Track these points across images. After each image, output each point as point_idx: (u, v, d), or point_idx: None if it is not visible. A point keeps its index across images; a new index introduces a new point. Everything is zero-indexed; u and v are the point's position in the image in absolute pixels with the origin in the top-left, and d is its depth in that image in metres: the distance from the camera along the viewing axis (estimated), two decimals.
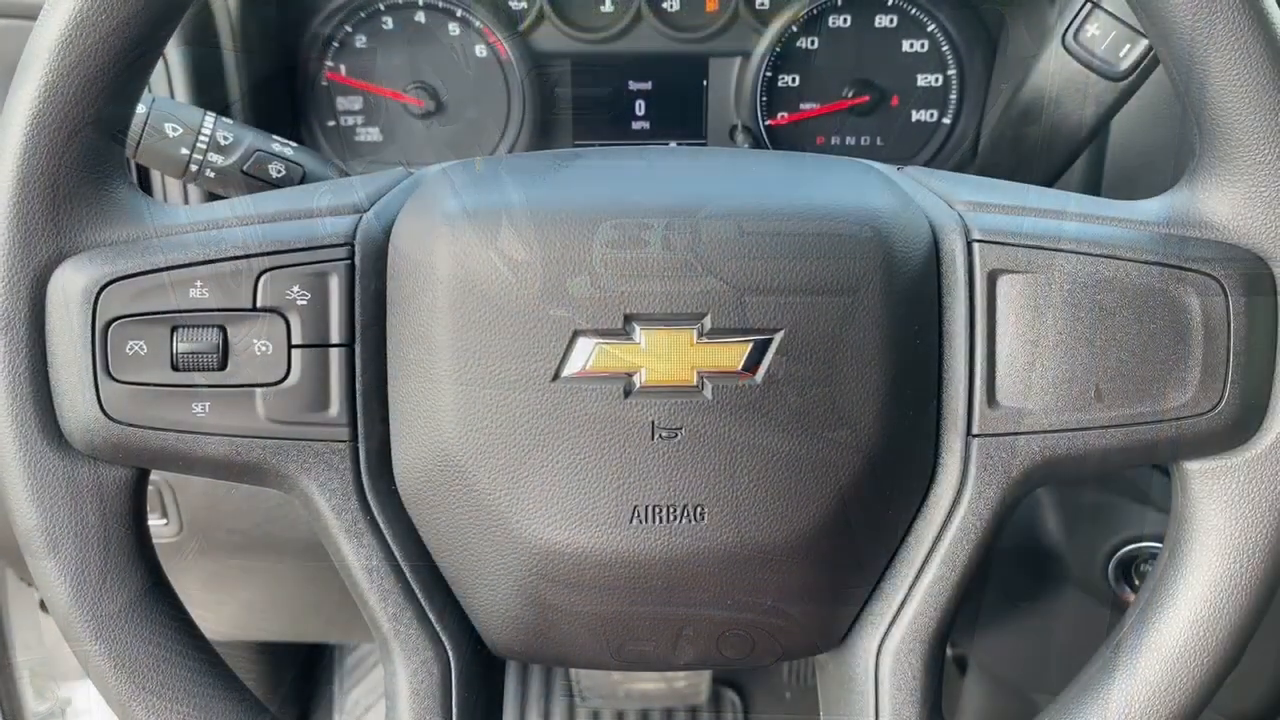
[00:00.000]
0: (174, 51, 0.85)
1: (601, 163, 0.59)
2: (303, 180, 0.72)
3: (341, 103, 1.04)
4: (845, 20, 1.03)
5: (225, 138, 0.70)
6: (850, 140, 1.06)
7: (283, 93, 1.01)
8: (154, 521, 1.00)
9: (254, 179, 0.70)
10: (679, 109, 1.06)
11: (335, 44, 1.02)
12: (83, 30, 0.50)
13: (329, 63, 1.03)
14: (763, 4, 1.02)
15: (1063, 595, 1.03)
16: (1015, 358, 0.54)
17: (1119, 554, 0.93)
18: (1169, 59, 0.54)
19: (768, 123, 1.05)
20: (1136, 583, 0.95)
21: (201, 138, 0.69)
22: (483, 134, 1.05)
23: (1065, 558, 0.98)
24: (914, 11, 1.02)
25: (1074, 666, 0.60)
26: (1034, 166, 0.78)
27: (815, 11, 1.02)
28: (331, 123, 1.04)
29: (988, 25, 1.01)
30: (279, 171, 0.71)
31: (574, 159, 0.59)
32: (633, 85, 1.05)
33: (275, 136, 0.72)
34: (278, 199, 0.57)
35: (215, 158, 0.69)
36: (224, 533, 1.01)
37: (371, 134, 1.05)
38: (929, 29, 1.03)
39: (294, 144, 0.73)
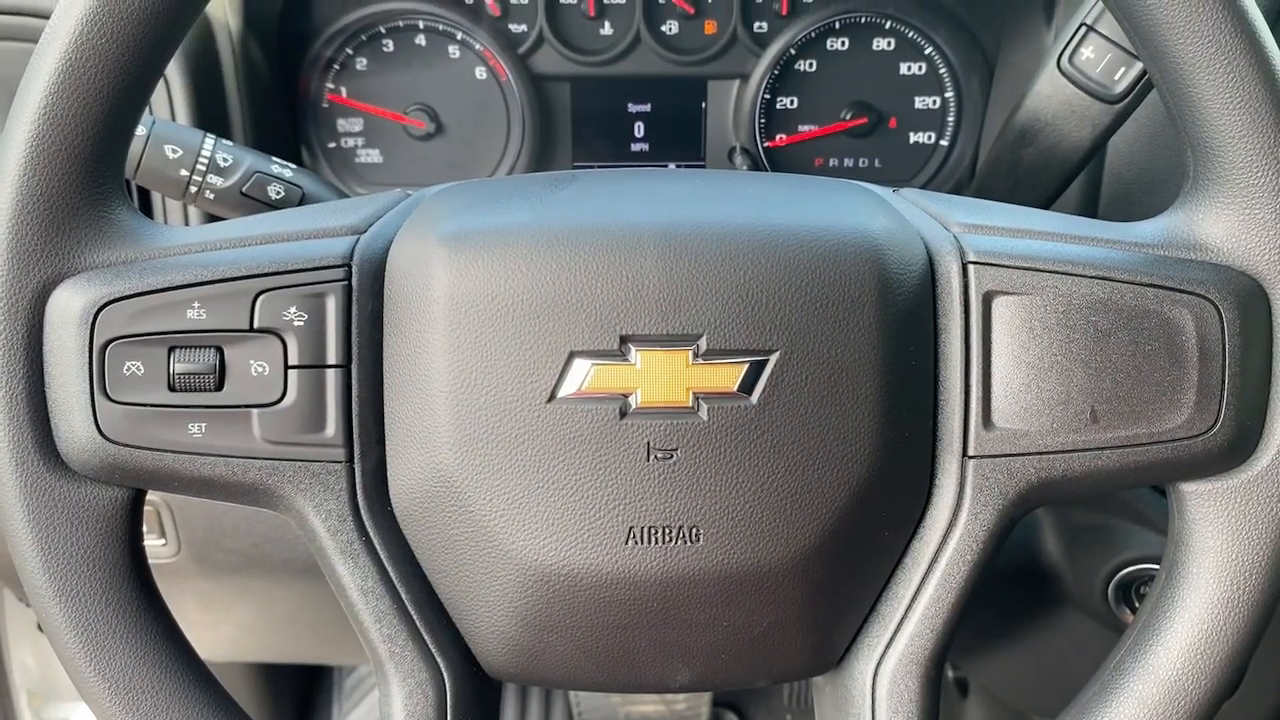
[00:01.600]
0: (175, 74, 0.86)
1: (598, 184, 0.59)
2: (301, 202, 0.72)
3: (342, 124, 1.05)
4: (843, 43, 1.04)
5: (224, 159, 0.70)
6: (848, 162, 1.06)
7: (283, 114, 1.02)
8: (152, 542, 1.00)
9: (253, 200, 0.71)
10: (678, 131, 1.06)
11: (336, 66, 1.03)
12: (83, 54, 0.51)
13: (330, 85, 1.03)
14: (761, 27, 1.03)
15: (1062, 617, 1.03)
16: (1011, 379, 0.54)
17: (1118, 576, 0.93)
18: (1162, 82, 0.54)
19: (766, 144, 1.06)
20: (1136, 604, 0.95)
21: (201, 159, 0.69)
22: (483, 155, 1.06)
23: (1065, 579, 0.98)
24: (911, 35, 1.03)
25: (1074, 688, 0.60)
26: (1030, 189, 0.79)
27: (813, 34, 1.02)
28: (332, 144, 1.05)
29: (984, 48, 1.02)
30: (278, 193, 0.71)
31: (571, 181, 0.60)
32: (632, 107, 1.06)
33: (274, 158, 0.73)
34: (275, 220, 0.57)
35: (214, 179, 0.70)
36: (222, 553, 1.01)
37: (372, 155, 1.06)
38: (926, 52, 1.03)
39: (293, 166, 0.73)
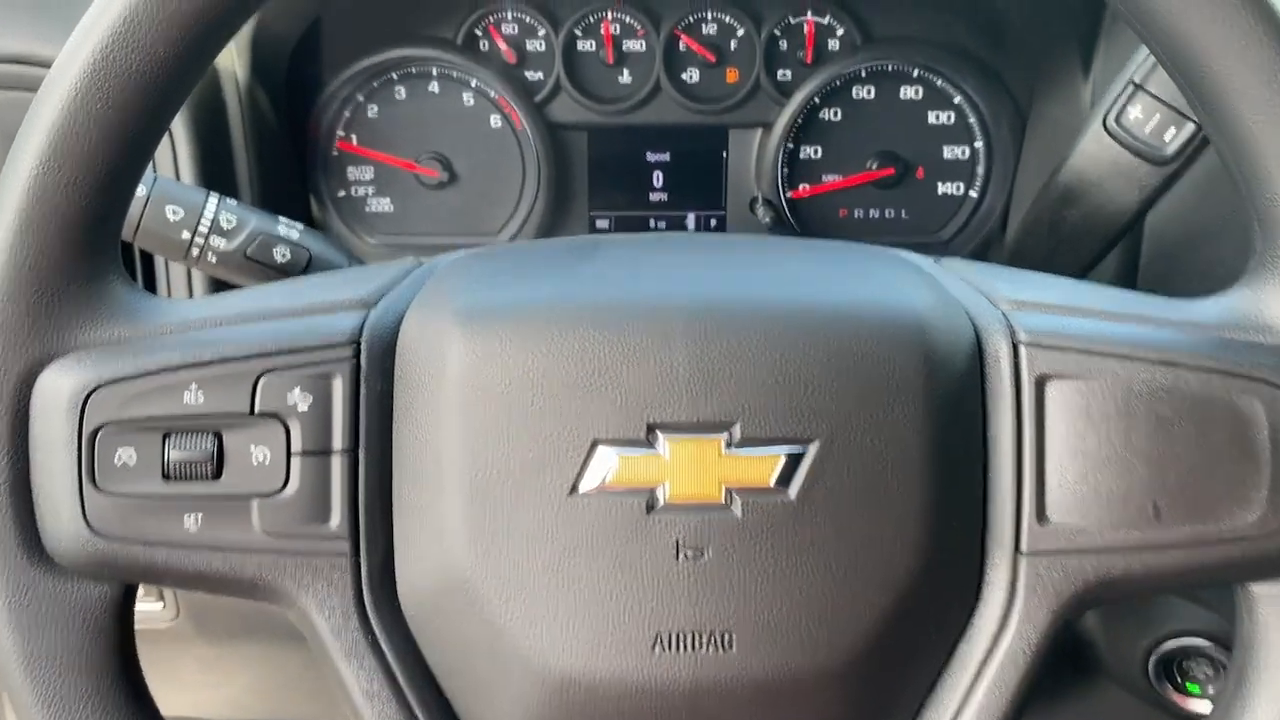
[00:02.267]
0: (178, 123, 0.83)
1: (623, 255, 0.56)
2: (309, 264, 0.69)
3: (352, 173, 1.02)
4: (869, 91, 1.00)
5: (228, 221, 0.67)
6: (874, 213, 1.03)
7: (292, 163, 0.99)
8: (149, 606, 0.96)
9: (257, 264, 0.67)
10: (698, 180, 1.03)
11: (347, 113, 1.00)
12: (76, 121, 0.48)
13: (340, 132, 1.00)
14: (784, 75, 1.00)
15: (1100, 691, 0.98)
16: (1066, 470, 0.50)
17: (1159, 650, 0.89)
18: (1226, 149, 0.51)
19: (789, 195, 1.02)
20: (1178, 680, 0.90)
21: (203, 221, 0.66)
22: (497, 205, 1.03)
23: (1101, 652, 0.93)
24: (940, 83, 1.00)
25: None
26: (1072, 251, 0.75)
27: (838, 83, 0.99)
28: (342, 193, 1.02)
29: (1016, 97, 0.98)
30: (284, 256, 0.68)
31: (593, 250, 0.56)
32: (651, 156, 1.03)
33: (281, 218, 0.69)
34: (279, 293, 0.54)
35: (217, 241, 0.67)
36: (222, 617, 0.98)
37: (383, 204, 1.02)
38: (955, 101, 1.00)
39: (300, 225, 0.70)
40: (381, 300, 0.53)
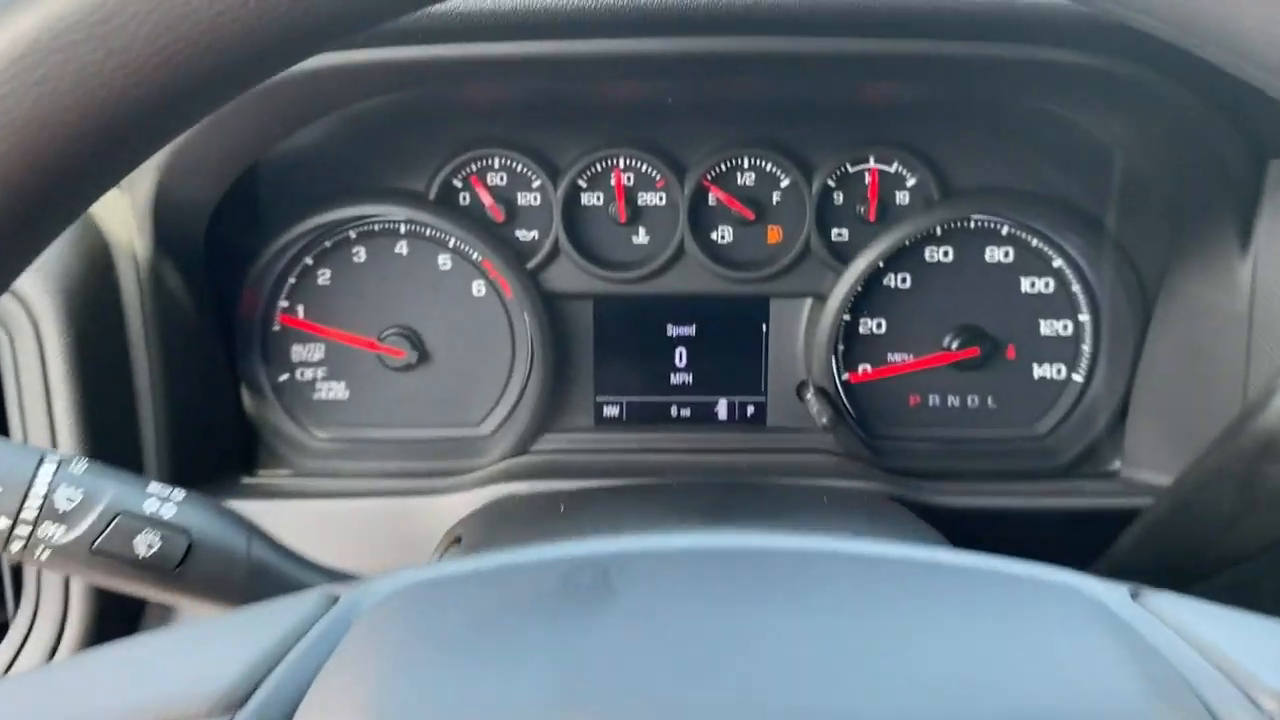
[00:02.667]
0: (45, 312, 0.62)
1: (644, 605, 0.35)
2: (187, 554, 0.47)
3: (298, 353, 0.81)
4: (946, 254, 0.80)
5: (69, 499, 0.45)
6: (953, 401, 0.82)
7: (215, 345, 0.78)
8: None
9: (110, 558, 0.46)
10: (731, 360, 0.83)
11: (291, 281, 0.80)
12: None
13: (283, 303, 0.80)
14: (840, 235, 0.80)
15: None
16: None
17: None
18: None
19: (846, 378, 0.82)
20: None
21: (30, 502, 0.45)
22: (479, 389, 0.82)
23: None
24: (1035, 243, 0.80)
25: None
26: (1269, 516, 0.54)
27: (908, 244, 0.79)
28: (284, 377, 0.81)
29: (1137, 264, 0.78)
30: (150, 546, 0.46)
31: (599, 595, 0.36)
32: (672, 330, 0.82)
33: (153, 485, 0.48)
34: (98, 674, 0.33)
35: (52, 530, 0.45)
36: None
37: (335, 390, 0.82)
38: (1055, 264, 0.80)
39: (182, 493, 0.49)
40: (255, 696, 0.32)
